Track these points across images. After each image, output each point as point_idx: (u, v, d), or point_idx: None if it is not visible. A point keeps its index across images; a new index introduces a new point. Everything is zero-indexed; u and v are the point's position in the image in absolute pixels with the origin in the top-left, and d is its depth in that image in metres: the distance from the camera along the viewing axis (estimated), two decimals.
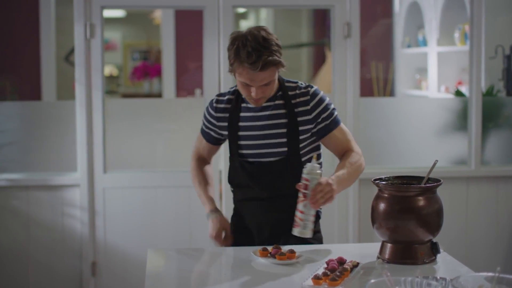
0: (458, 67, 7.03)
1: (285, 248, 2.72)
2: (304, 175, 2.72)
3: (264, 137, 2.97)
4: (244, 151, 3.01)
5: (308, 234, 2.72)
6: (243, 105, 3.02)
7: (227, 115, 3.05)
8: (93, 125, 4.82)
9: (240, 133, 3.01)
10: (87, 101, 4.82)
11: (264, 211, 3.03)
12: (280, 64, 2.84)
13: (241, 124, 3.01)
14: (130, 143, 4.97)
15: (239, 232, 3.11)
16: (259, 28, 2.85)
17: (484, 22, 5.00)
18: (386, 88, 7.92)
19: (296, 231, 2.73)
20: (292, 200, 2.84)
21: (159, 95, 8.93)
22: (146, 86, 9.57)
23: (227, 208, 4.77)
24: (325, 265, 2.56)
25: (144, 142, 5.00)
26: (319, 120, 2.96)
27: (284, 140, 2.96)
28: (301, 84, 3.01)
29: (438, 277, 2.29)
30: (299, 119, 2.96)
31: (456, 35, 6.67)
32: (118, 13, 10.95)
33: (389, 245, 2.65)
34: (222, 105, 3.06)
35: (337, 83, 4.90)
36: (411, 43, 7.84)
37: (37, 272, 4.84)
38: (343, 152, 3.02)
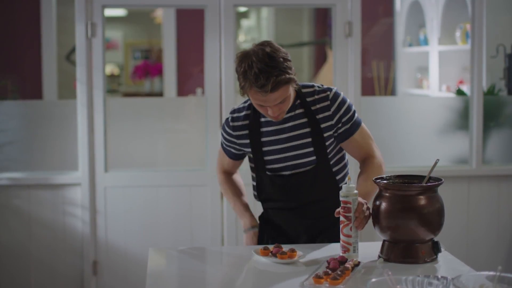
0: (459, 66, 7.02)
1: (286, 247, 2.72)
2: (343, 198, 2.65)
3: (290, 149, 2.92)
4: (272, 166, 2.94)
5: (358, 256, 2.68)
6: (262, 119, 2.94)
7: (246, 132, 2.96)
8: (94, 124, 4.83)
9: (264, 148, 2.94)
10: (88, 100, 4.83)
11: (299, 217, 3.00)
12: (292, 81, 2.73)
13: (264, 139, 2.94)
14: (131, 142, 4.97)
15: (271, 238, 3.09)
16: (263, 45, 2.74)
17: (486, 21, 5.00)
18: (387, 87, 7.92)
19: (345, 257, 2.67)
20: (323, 204, 2.92)
21: (160, 94, 8.93)
22: (147, 85, 9.57)
23: (230, 210, 4.77)
24: (326, 264, 2.56)
25: (145, 141, 5.00)
26: (339, 124, 2.91)
27: (311, 149, 2.91)
28: (318, 87, 2.93)
29: (439, 276, 2.28)
30: (322, 125, 2.90)
31: (458, 34, 6.67)
32: (119, 12, 10.95)
33: (390, 244, 2.65)
34: (239, 123, 2.98)
35: (338, 82, 4.90)
36: (412, 42, 7.83)
37: (38, 271, 4.84)
38: (363, 157, 2.97)
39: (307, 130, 2.91)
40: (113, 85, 10.76)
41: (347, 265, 2.51)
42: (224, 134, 3.04)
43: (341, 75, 4.90)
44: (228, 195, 3.17)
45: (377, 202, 2.65)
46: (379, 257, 2.69)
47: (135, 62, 11.10)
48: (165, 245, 4.73)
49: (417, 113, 5.18)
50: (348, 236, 2.66)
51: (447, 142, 5.14)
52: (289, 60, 2.75)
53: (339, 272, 2.41)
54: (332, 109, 2.90)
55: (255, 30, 12.42)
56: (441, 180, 2.65)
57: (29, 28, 7.55)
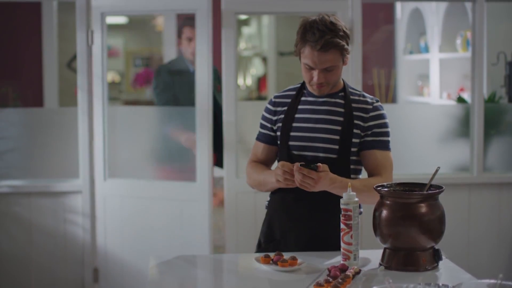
0: (460, 73, 7.04)
1: (287, 255, 2.72)
2: (344, 206, 2.65)
3: (318, 131, 2.94)
4: (296, 143, 2.96)
5: (358, 264, 2.68)
6: (303, 98, 3.01)
7: (285, 108, 3.02)
8: (95, 132, 4.83)
9: (294, 124, 2.97)
10: (89, 107, 4.83)
11: (302, 205, 2.97)
12: (344, 49, 2.86)
13: (297, 115, 2.98)
14: (131, 150, 4.97)
15: (268, 241, 3.07)
16: (329, 14, 2.89)
17: (486, 29, 5.00)
18: (388, 94, 7.92)
19: (346, 265, 2.66)
20: (330, 200, 2.88)
21: None
22: (148, 92, 9.58)
23: (230, 218, 4.77)
24: (327, 272, 2.56)
25: (145, 149, 5.00)
26: (369, 132, 2.93)
27: (337, 137, 2.91)
28: (368, 95, 3.02)
29: (440, 284, 2.28)
30: (355, 122, 2.93)
31: (458, 41, 6.68)
32: (120, 20, 10.97)
33: (391, 252, 2.65)
34: (280, 100, 3.06)
35: None
36: (413, 49, 7.84)
37: (39, 278, 4.84)
38: (373, 172, 2.96)
39: (340, 119, 2.93)
40: (114, 93, 10.77)
41: (348, 273, 2.51)
42: (264, 113, 3.10)
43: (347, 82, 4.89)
44: (255, 176, 3.07)
45: (378, 210, 2.65)
46: (380, 265, 2.69)
47: (136, 69, 11.12)
48: (166, 253, 4.72)
49: (418, 121, 5.18)
50: (349, 244, 2.66)
51: (448, 150, 5.14)
52: (348, 35, 2.88)
53: (340, 280, 2.41)
54: (370, 114, 2.94)
55: (256, 37, 12.43)
56: (442, 187, 2.65)
57: (30, 36, 7.56)
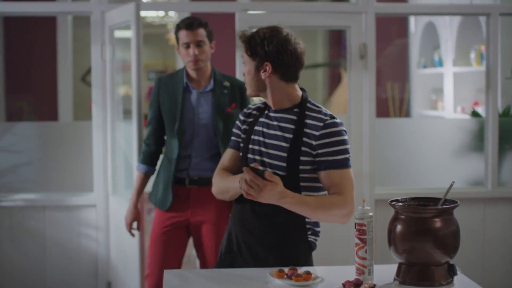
0: (474, 87, 7.02)
1: (302, 270, 2.71)
2: (358, 221, 2.64)
3: (268, 146, 2.93)
4: (251, 156, 2.96)
5: (373, 278, 2.66)
6: (266, 112, 3.01)
7: (252, 119, 3.04)
8: (109, 146, 4.85)
9: (253, 136, 2.99)
10: (104, 121, 4.86)
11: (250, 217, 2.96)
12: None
13: (256, 128, 3.00)
14: None
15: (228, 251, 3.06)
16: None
17: (500, 43, 5.00)
18: (402, 108, 7.92)
19: (361, 279, 2.65)
20: (280, 216, 2.85)
21: None
22: None
23: None
24: (342, 287, 2.55)
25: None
26: (322, 151, 2.84)
27: (285, 154, 2.88)
28: (325, 111, 2.92)
29: None
30: (304, 139, 2.87)
31: (472, 55, 6.67)
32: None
33: (405, 266, 2.64)
34: (249, 111, 3.08)
35: (353, 103, 4.90)
36: (427, 63, 7.84)
37: None
38: (331, 192, 2.86)
39: (290, 136, 2.90)
40: (128, 106, 10.81)
41: (362, 287, 2.50)
42: (237, 122, 3.12)
43: (356, 96, 4.90)
44: (221, 181, 3.04)
45: (393, 225, 2.64)
46: (395, 279, 2.67)
47: (149, 83, 11.16)
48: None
49: (432, 135, 5.17)
50: (363, 258, 2.65)
51: (462, 164, 5.13)
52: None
53: None
54: (320, 132, 2.84)
55: None
56: (456, 202, 2.64)
57: (45, 50, 7.61)
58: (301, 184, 2.88)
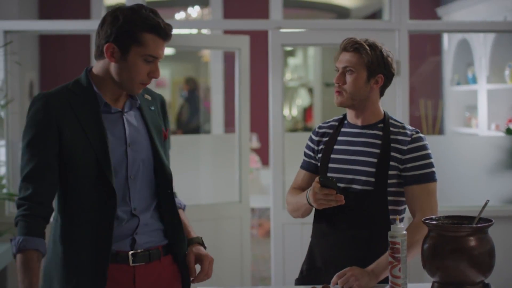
0: (508, 104, 6.96)
1: None
2: (392, 239, 2.63)
3: (354, 163, 2.92)
4: (331, 174, 2.95)
5: None
6: (343, 129, 3.02)
7: (327, 138, 3.04)
8: None
9: (333, 155, 2.97)
10: None
11: (339, 246, 2.96)
12: (369, 58, 2.91)
13: (336, 147, 2.99)
14: (178, 177, 5.00)
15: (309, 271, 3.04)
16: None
17: None
18: (435, 126, 7.87)
19: None
20: (366, 236, 2.87)
21: (207, 132, 9.01)
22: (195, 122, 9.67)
23: (276, 249, 4.76)
24: None
25: (191, 177, 5.03)
26: (409, 166, 2.89)
27: (373, 169, 2.89)
28: (409, 126, 3.00)
29: None
30: (392, 154, 2.90)
31: (507, 72, 6.62)
32: (167, 50, 11.09)
33: (439, 285, 2.61)
34: (323, 130, 3.07)
35: None
36: (460, 80, 7.79)
37: None
38: (413, 213, 2.92)
39: (377, 151, 2.91)
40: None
41: None
42: (308, 142, 3.12)
43: (389, 113, 4.88)
44: (293, 201, 3.05)
45: (427, 243, 2.62)
46: None
47: (181, 100, 11.23)
48: (226, 283, 4.73)
49: (465, 152, 5.13)
50: (397, 277, 2.64)
51: (497, 182, 5.08)
52: (388, 62, 2.96)
53: None
54: (408, 147, 2.90)
55: (301, 68, 12.48)
56: (491, 221, 2.61)
57: (79, 67, 7.68)
58: (388, 198, 2.90)
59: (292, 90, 12.22)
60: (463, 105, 7.84)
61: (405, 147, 2.89)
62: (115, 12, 2.46)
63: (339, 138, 3.00)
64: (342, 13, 10.56)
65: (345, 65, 2.92)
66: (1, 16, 6.48)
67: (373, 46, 2.92)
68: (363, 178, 2.89)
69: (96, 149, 2.43)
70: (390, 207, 2.91)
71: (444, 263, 2.56)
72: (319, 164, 3.04)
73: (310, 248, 3.07)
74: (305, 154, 3.13)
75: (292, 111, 12.26)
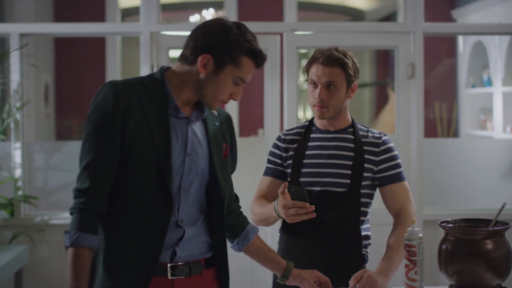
0: None
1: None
2: (408, 242, 2.63)
3: (329, 166, 2.96)
4: (305, 179, 2.97)
5: None
6: (312, 135, 3.05)
7: (294, 145, 3.05)
8: None
9: (305, 160, 3.00)
10: None
11: (315, 245, 2.96)
12: (348, 70, 2.92)
13: (307, 152, 3.01)
14: None
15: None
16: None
17: None
18: (450, 128, 7.84)
19: None
20: (341, 233, 2.89)
21: None
22: None
23: None
24: None
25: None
26: (383, 167, 2.97)
27: (349, 172, 2.94)
28: (373, 130, 3.06)
29: None
30: (366, 156, 2.96)
31: None
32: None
33: None
34: (290, 137, 3.08)
35: (401, 123, 4.87)
36: (475, 83, 7.76)
37: None
38: (397, 211, 2.98)
39: (351, 154, 2.97)
40: None
41: None
42: (272, 149, 3.11)
43: (404, 116, 4.87)
44: (259, 210, 3.02)
45: (443, 246, 2.61)
46: None
47: None
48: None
49: (481, 155, 5.11)
50: (413, 280, 2.63)
51: None
52: (357, 68, 3.01)
53: None
54: (381, 148, 2.98)
55: None
56: (508, 224, 2.60)
57: (94, 69, 7.71)
58: (361, 199, 2.95)
59: (306, 93, 12.22)
60: (478, 107, 7.80)
61: (378, 149, 2.98)
62: (220, 25, 2.38)
63: (310, 143, 3.03)
64: (356, 15, 10.53)
65: (328, 80, 2.91)
66: (17, 19, 6.51)
67: (349, 57, 2.96)
68: (339, 180, 2.94)
69: (158, 150, 2.33)
70: (362, 209, 2.96)
71: (460, 266, 2.55)
72: (287, 170, 3.05)
73: (281, 255, 2.98)
74: (270, 161, 3.12)
75: (306, 114, 12.25)
